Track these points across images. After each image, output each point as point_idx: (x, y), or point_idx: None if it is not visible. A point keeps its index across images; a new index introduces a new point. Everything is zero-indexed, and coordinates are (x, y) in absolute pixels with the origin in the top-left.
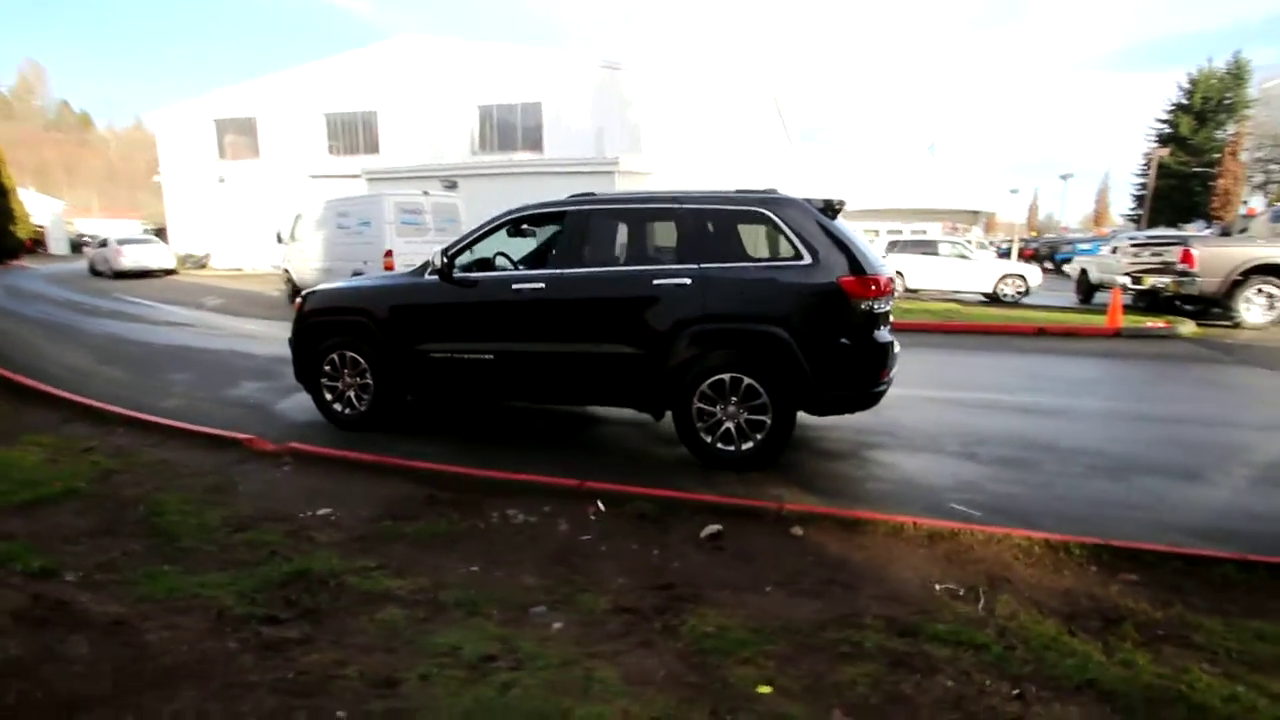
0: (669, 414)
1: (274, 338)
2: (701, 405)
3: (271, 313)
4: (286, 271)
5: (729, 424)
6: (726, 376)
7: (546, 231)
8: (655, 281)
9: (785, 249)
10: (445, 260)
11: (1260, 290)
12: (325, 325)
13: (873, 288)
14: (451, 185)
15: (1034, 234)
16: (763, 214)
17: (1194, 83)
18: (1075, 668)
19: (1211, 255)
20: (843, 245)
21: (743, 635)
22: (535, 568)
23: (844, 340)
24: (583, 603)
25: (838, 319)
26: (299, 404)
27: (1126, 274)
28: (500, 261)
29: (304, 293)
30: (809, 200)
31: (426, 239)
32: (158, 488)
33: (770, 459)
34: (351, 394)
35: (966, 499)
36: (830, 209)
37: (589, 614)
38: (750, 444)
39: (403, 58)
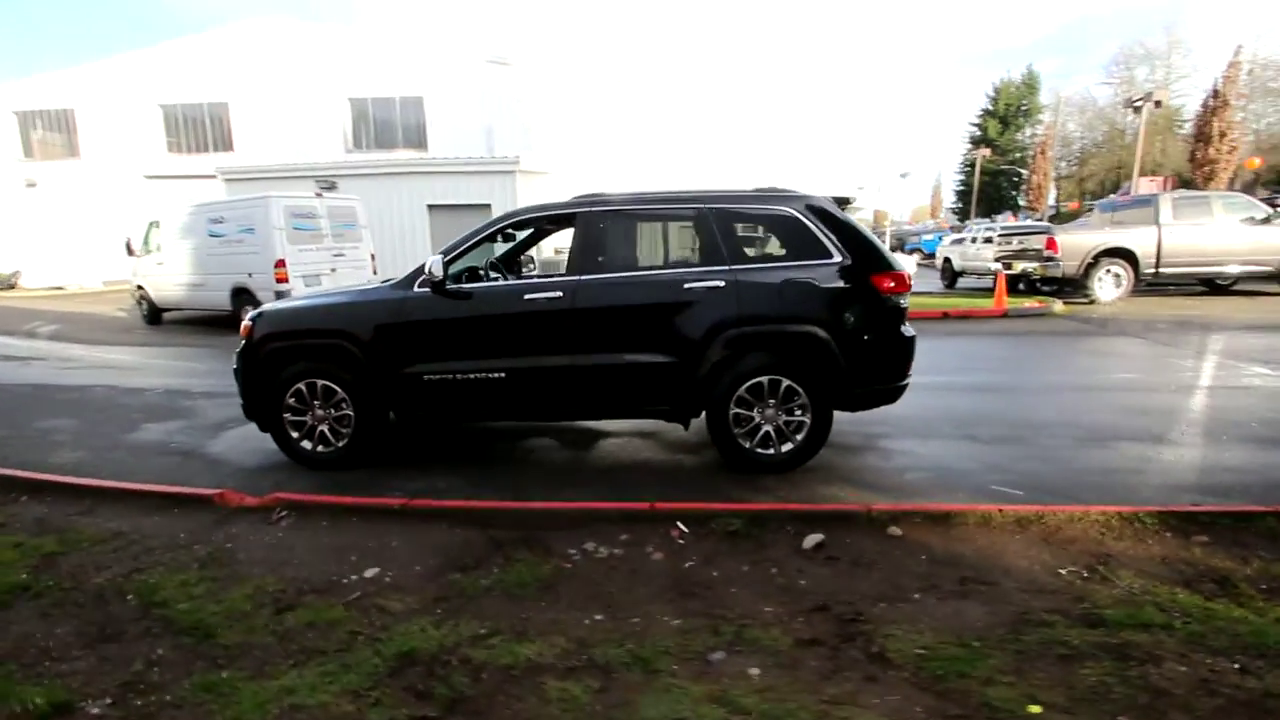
0: (682, 420)
1: (148, 367)
2: (738, 410)
3: (127, 337)
4: (140, 288)
5: (767, 427)
6: (764, 379)
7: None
8: (687, 285)
9: (812, 247)
10: (443, 272)
11: (1109, 271)
12: (288, 351)
13: (900, 283)
14: (330, 186)
15: (881, 227)
16: (788, 213)
17: (997, 90)
18: (1252, 632)
19: (1070, 242)
20: (866, 242)
21: (953, 651)
22: (666, 607)
23: (877, 336)
24: (757, 640)
25: (871, 315)
26: (238, 444)
27: (998, 260)
28: (488, 270)
29: (252, 314)
30: (827, 197)
31: (322, 246)
32: (134, 569)
33: (808, 458)
34: (325, 428)
35: (1000, 480)
36: (842, 205)
37: (774, 652)
38: (790, 445)
39: (257, 44)
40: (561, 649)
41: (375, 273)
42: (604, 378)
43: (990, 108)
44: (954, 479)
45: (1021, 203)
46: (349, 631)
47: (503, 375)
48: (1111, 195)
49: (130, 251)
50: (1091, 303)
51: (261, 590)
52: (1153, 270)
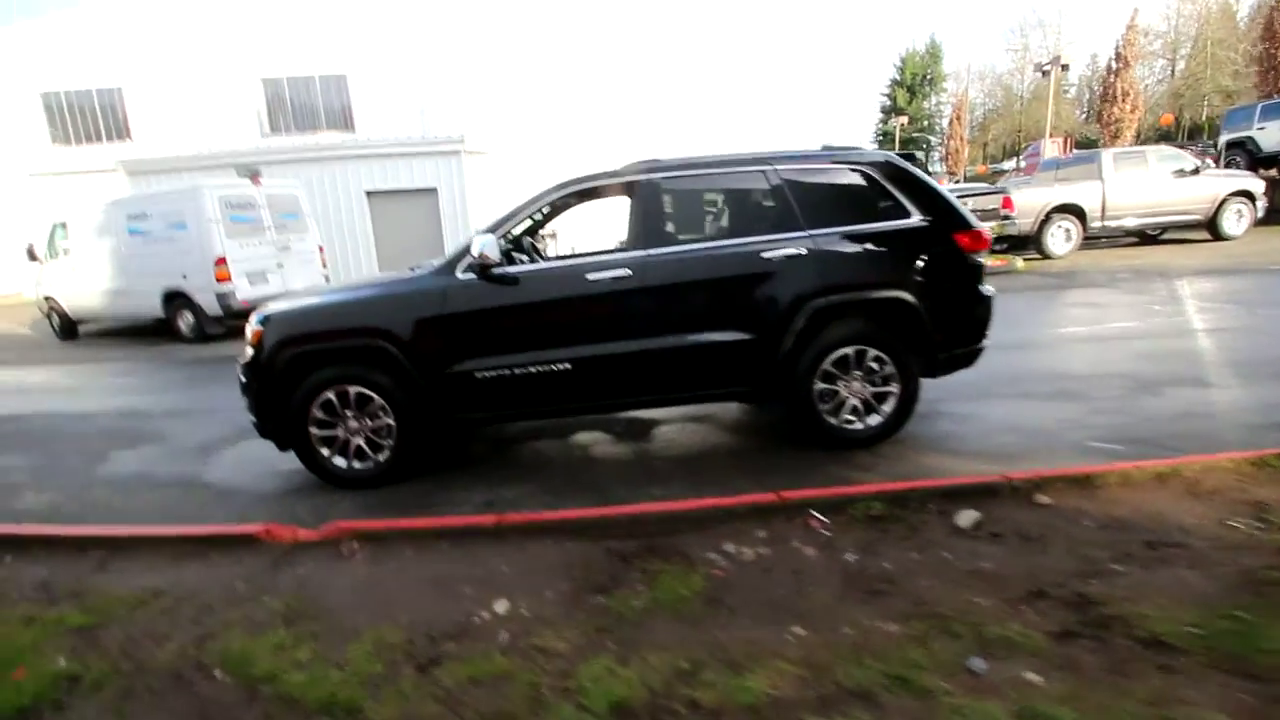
0: (759, 401)
1: (83, 388)
2: (823, 385)
3: (42, 356)
4: (49, 300)
5: (854, 400)
6: (850, 350)
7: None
8: (765, 255)
9: (889, 207)
10: (498, 254)
11: (1060, 226)
12: (311, 356)
13: (979, 240)
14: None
15: None
16: (860, 171)
17: (904, 60)
18: None
19: (1025, 201)
20: (943, 199)
21: (1223, 625)
22: (864, 610)
23: (961, 297)
24: (1006, 639)
25: (956, 276)
26: (241, 468)
27: None
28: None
29: (261, 316)
30: (896, 154)
31: (265, 239)
32: (203, 636)
33: (897, 430)
34: (361, 441)
35: (1090, 436)
36: (914, 161)
37: (1037, 652)
38: (878, 418)
39: (152, 21)
40: (794, 676)
41: (325, 266)
42: (679, 361)
43: (898, 78)
44: (1044, 439)
45: (940, 168)
46: (527, 684)
47: (567, 367)
48: (1016, 155)
49: (33, 258)
50: (1046, 258)
51: (384, 644)
52: (1099, 224)
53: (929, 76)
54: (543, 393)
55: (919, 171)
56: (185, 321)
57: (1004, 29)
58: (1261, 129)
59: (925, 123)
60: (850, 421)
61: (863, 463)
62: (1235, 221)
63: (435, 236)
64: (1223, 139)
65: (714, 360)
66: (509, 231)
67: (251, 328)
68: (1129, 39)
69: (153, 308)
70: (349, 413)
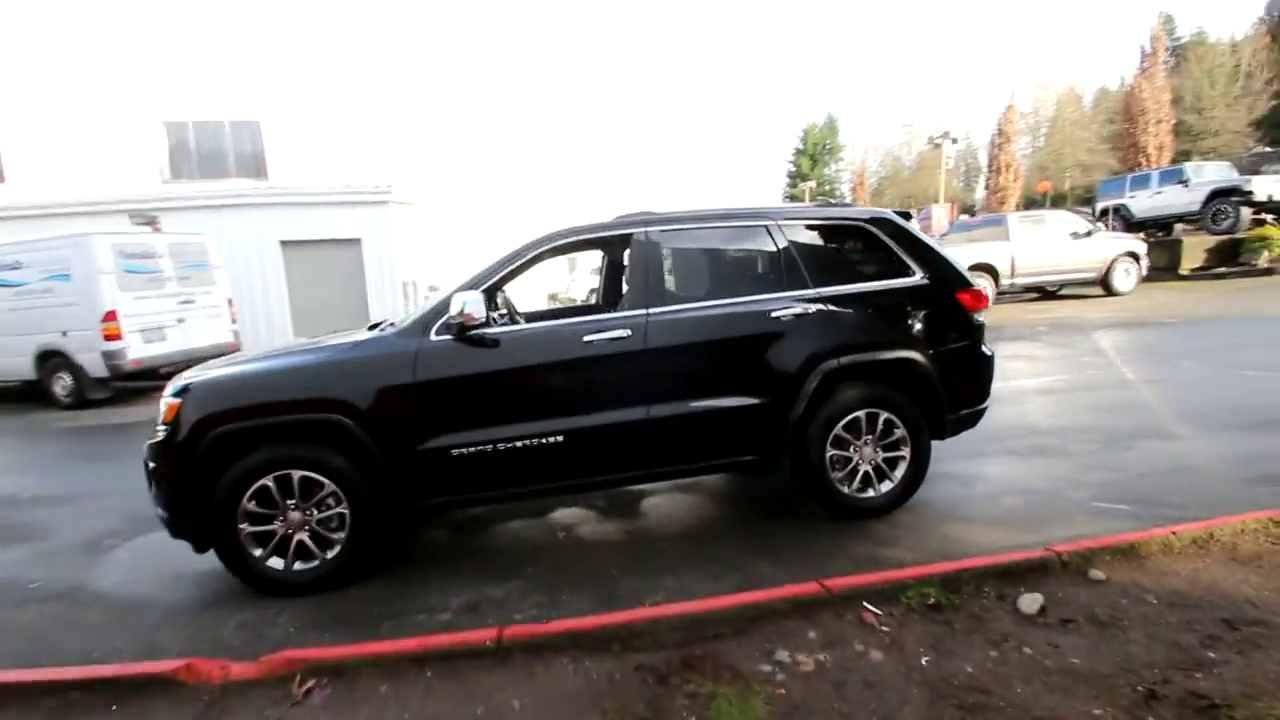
0: (764, 469)
1: None
2: (835, 451)
3: None
4: None
5: (865, 467)
6: (862, 414)
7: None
8: (775, 314)
9: (890, 264)
10: (484, 311)
11: (976, 283)
12: (244, 435)
13: (979, 299)
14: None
15: None
16: (860, 227)
17: (805, 132)
18: None
19: None
20: (941, 257)
21: None
22: None
23: (968, 357)
24: None
25: (961, 335)
26: (143, 572)
27: None
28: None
29: (178, 386)
30: (893, 211)
31: (165, 292)
32: None
33: (909, 496)
34: (305, 536)
35: (1092, 495)
36: (908, 219)
37: None
38: (890, 484)
39: (32, 57)
40: None
41: (234, 320)
42: (684, 429)
43: (801, 147)
44: (1050, 501)
45: None
46: None
47: (559, 439)
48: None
49: None
50: None
51: None
52: (1009, 281)
53: (828, 146)
54: (531, 470)
55: (917, 229)
56: (62, 385)
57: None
58: (1132, 197)
59: (828, 188)
60: (862, 490)
61: (881, 535)
62: (1124, 278)
63: (358, 289)
64: (1098, 206)
65: (722, 427)
66: (494, 288)
67: (166, 400)
68: (1008, 117)
69: (21, 368)
70: (291, 503)
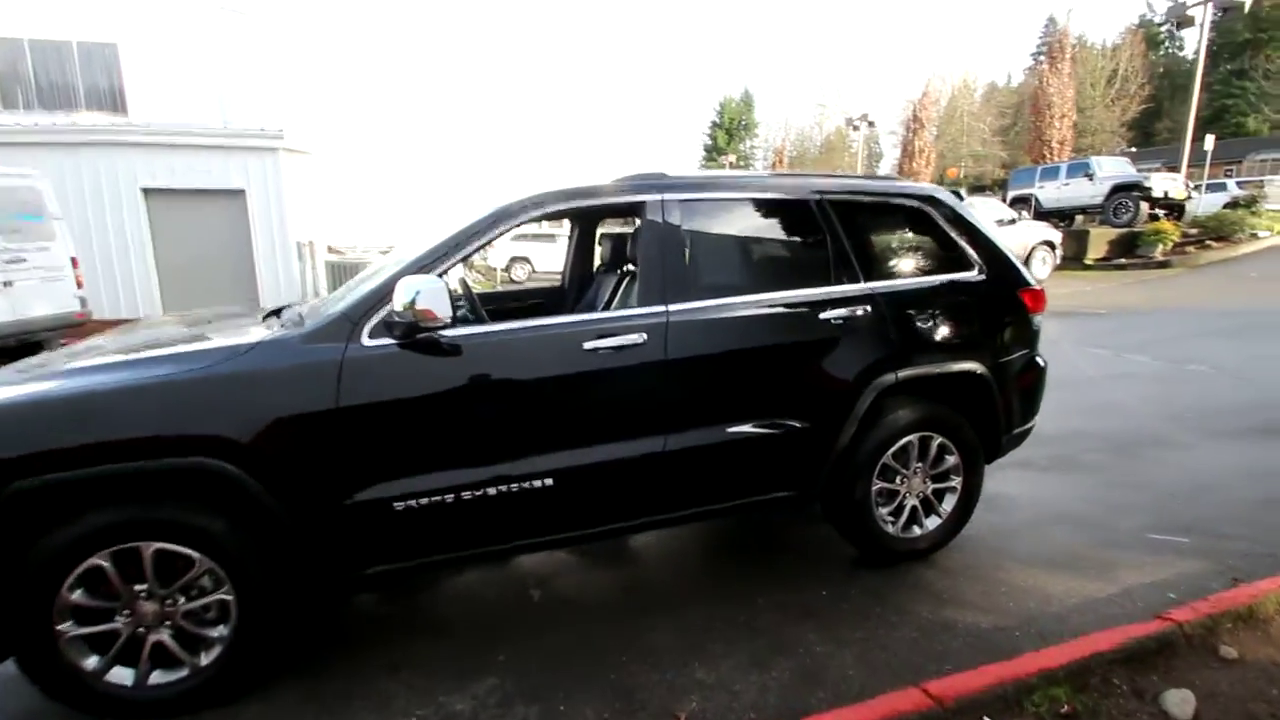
0: (799, 508)
1: None
2: (880, 483)
3: None
4: None
5: (912, 501)
6: (914, 438)
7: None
8: (824, 315)
9: (950, 255)
10: (451, 310)
11: None
12: (66, 490)
13: (1040, 301)
14: None
15: None
16: (919, 209)
17: (722, 105)
18: None
19: None
20: (1001, 250)
21: None
22: None
23: (1027, 368)
24: None
25: (1022, 343)
26: None
27: None
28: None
29: None
30: (947, 190)
31: None
32: None
33: (956, 534)
34: (166, 637)
35: (1140, 523)
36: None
37: None
38: (937, 520)
39: None
40: None
41: (80, 286)
42: (711, 463)
43: (718, 121)
44: (1100, 532)
45: None
46: None
47: (549, 483)
48: None
49: None
50: None
51: None
52: None
53: (744, 122)
54: (507, 523)
55: (972, 213)
56: None
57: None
58: (1041, 188)
59: (745, 164)
60: (907, 528)
61: (936, 585)
62: (1041, 266)
63: (242, 250)
64: (1010, 195)
65: (756, 459)
66: (451, 269)
67: None
68: (923, 103)
69: None
70: (142, 588)
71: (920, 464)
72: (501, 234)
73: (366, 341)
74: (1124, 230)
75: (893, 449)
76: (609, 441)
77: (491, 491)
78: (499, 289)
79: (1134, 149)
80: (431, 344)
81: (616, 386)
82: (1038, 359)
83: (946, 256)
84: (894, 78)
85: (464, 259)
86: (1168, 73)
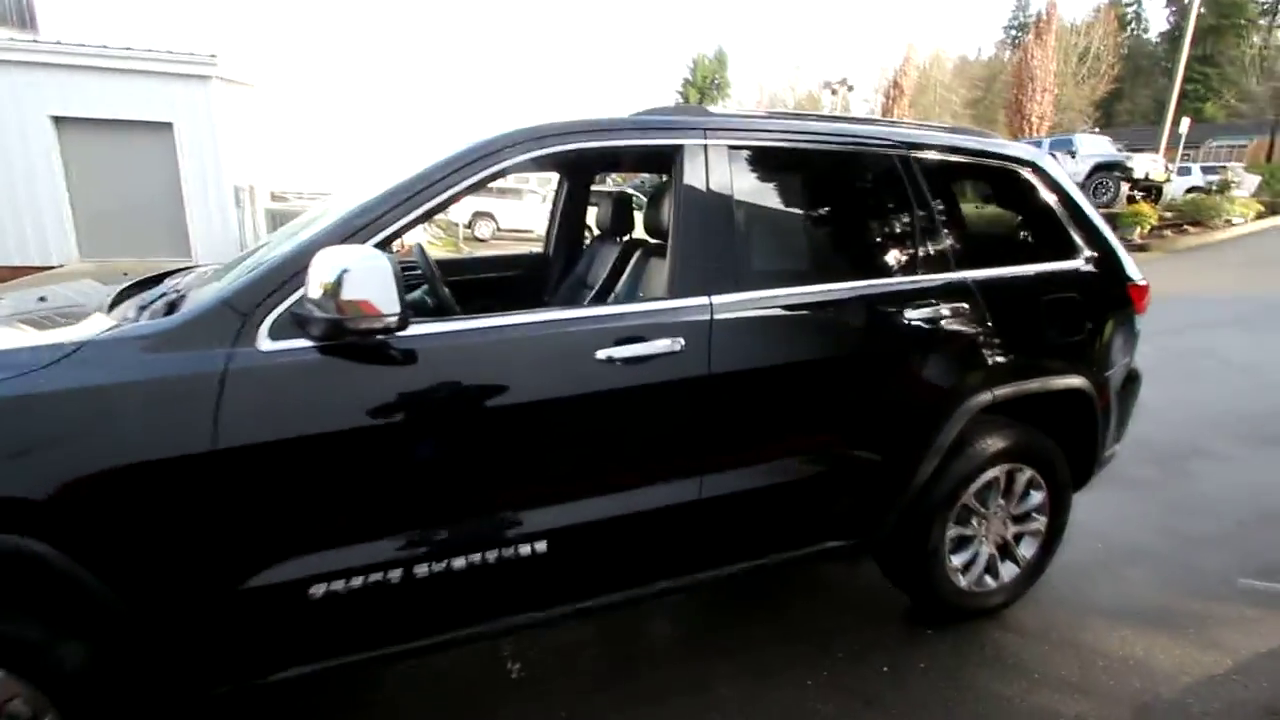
0: (854, 557)
1: None
2: (957, 529)
3: None
4: None
5: (989, 549)
6: (1000, 471)
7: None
8: (911, 314)
9: (1054, 236)
10: (386, 301)
11: None
12: None
13: (1143, 296)
14: None
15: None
16: (1022, 177)
17: (695, 63)
18: None
19: None
20: (1105, 232)
21: None
22: None
23: (1130, 379)
24: None
25: (1127, 350)
26: None
27: None
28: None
29: None
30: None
31: None
32: None
33: (1031, 585)
34: None
35: (1224, 564)
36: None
37: None
38: (1014, 569)
39: None
40: None
41: None
42: (756, 511)
43: (690, 78)
44: (1183, 576)
45: None
46: None
47: (542, 547)
48: None
49: None
50: None
51: None
52: None
53: (716, 81)
54: (482, 602)
55: (1071, 185)
56: None
57: (780, 48)
58: None
59: None
60: (980, 581)
61: (1016, 652)
62: None
63: (170, 192)
64: None
65: (811, 503)
66: (398, 234)
67: None
68: (904, 70)
69: None
70: None
71: (1003, 502)
72: (476, 182)
73: (265, 345)
74: (1102, 210)
75: (975, 486)
76: (624, 489)
77: (459, 563)
78: (464, 255)
79: (1098, 129)
80: (371, 350)
81: (639, 414)
82: (1136, 368)
83: (1048, 239)
84: (867, 45)
85: (422, 217)
86: (1131, 54)
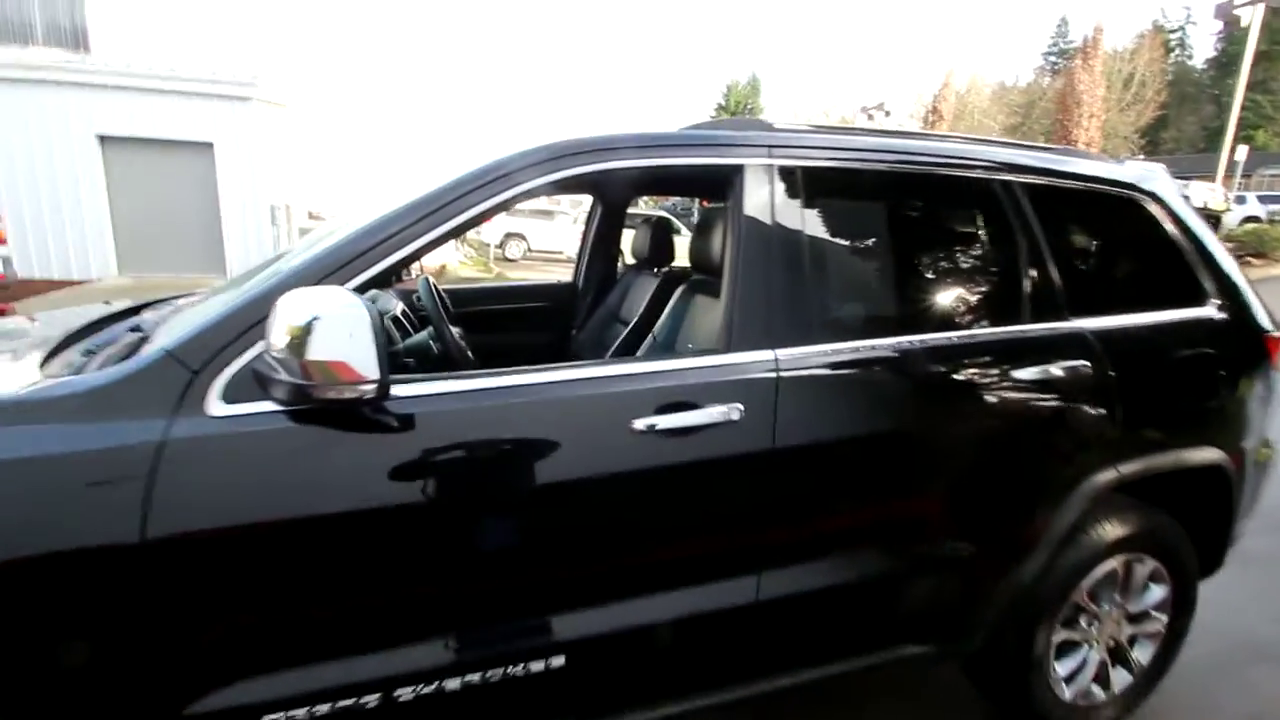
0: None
1: None
2: (1066, 632)
3: None
4: None
5: (1099, 654)
6: (1119, 562)
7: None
8: (1021, 372)
9: (1177, 278)
10: (367, 365)
11: None
12: None
13: None
14: None
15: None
16: (1140, 206)
17: (729, 89)
18: None
19: None
20: (1237, 276)
21: None
22: None
23: (1267, 446)
24: None
25: (1265, 413)
26: None
27: None
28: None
29: None
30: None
31: None
32: None
33: (1147, 694)
34: None
35: None
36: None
37: None
38: (1127, 678)
39: None
40: None
41: (4, 242)
42: (823, 614)
43: (723, 103)
44: None
45: None
46: None
47: (560, 663)
48: None
49: None
50: None
51: None
52: None
53: (749, 107)
54: None
55: (1195, 216)
56: None
57: (812, 76)
58: None
59: None
60: (1087, 693)
61: None
62: None
63: (209, 210)
64: None
65: (889, 603)
66: (392, 272)
67: None
68: (943, 95)
69: None
70: None
71: (1120, 598)
72: (484, 211)
73: (217, 409)
74: None
75: (1088, 581)
76: (664, 591)
77: (453, 685)
78: (486, 283)
79: (1143, 156)
80: (353, 417)
81: (684, 499)
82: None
83: (1170, 281)
84: (902, 70)
85: (413, 255)
86: (1176, 81)
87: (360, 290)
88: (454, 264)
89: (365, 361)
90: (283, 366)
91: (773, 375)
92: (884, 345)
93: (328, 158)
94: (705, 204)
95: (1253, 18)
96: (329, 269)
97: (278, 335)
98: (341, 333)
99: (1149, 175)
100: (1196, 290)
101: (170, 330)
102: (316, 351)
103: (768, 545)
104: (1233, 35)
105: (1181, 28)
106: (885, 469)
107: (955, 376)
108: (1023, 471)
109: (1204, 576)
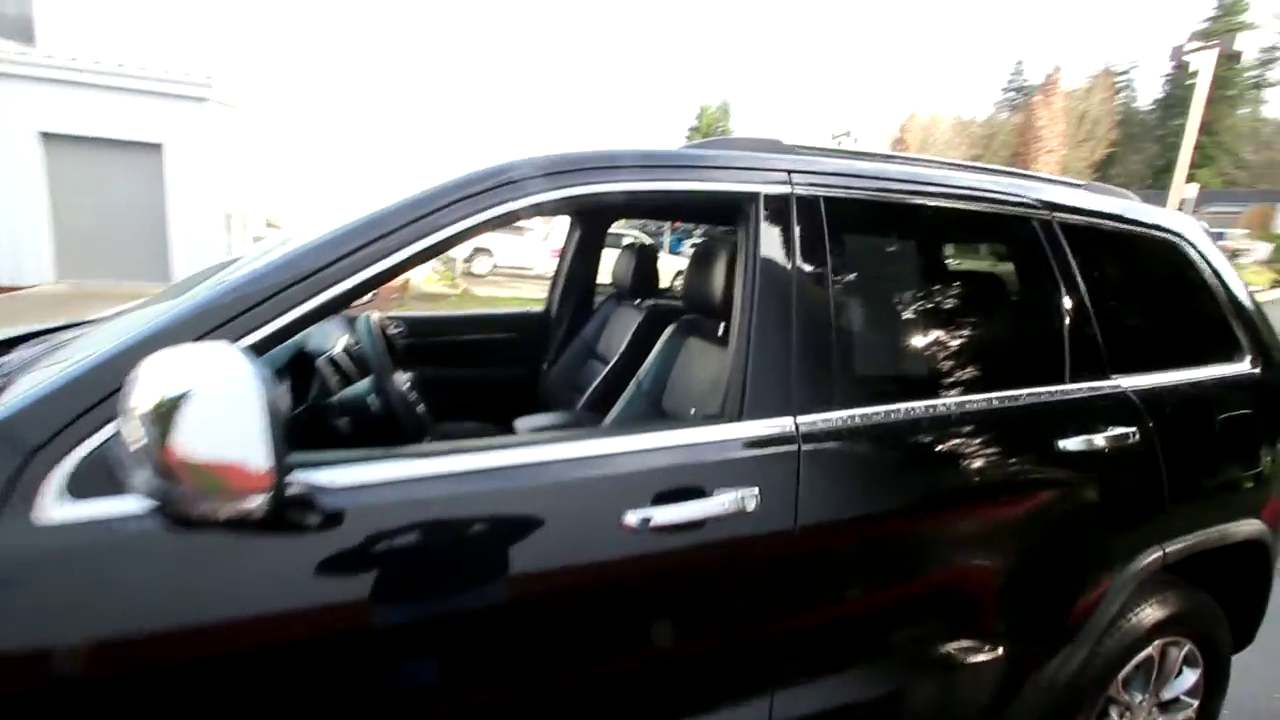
0: None
1: None
2: None
3: None
4: None
5: None
6: (1156, 648)
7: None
8: (1065, 442)
9: (1213, 330)
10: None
11: None
12: None
13: None
14: None
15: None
16: (1179, 250)
17: (701, 111)
18: None
19: None
20: (1266, 323)
21: None
22: None
23: None
24: None
25: None
26: None
27: None
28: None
29: None
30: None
31: None
32: None
33: None
34: None
35: None
36: None
37: None
38: None
39: None
40: None
41: None
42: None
43: (696, 125)
44: None
45: None
46: None
47: None
48: None
49: None
50: None
51: None
52: None
53: (720, 129)
54: None
55: (1225, 262)
56: None
57: (782, 102)
58: None
59: None
60: None
61: None
62: None
63: (154, 214)
64: None
65: (917, 714)
66: (324, 312)
67: None
68: (909, 126)
69: None
70: None
71: (1154, 683)
72: (446, 239)
73: (54, 511)
74: None
75: (1124, 671)
76: (660, 717)
77: None
78: (450, 311)
79: None
80: (256, 519)
81: (687, 607)
82: None
83: (1209, 333)
84: (867, 100)
85: (339, 300)
86: (1124, 121)
87: (278, 338)
88: (418, 279)
89: (254, 454)
90: (137, 462)
91: (793, 449)
92: (918, 409)
93: (289, 165)
94: (676, 226)
95: (1207, 62)
96: (219, 318)
97: (132, 416)
98: (225, 416)
99: (1183, 220)
100: (1232, 344)
101: (22, 385)
102: (187, 445)
103: (783, 660)
104: (1178, 79)
105: (1127, 71)
106: (921, 560)
107: (999, 447)
108: (1070, 553)
109: (1235, 652)
